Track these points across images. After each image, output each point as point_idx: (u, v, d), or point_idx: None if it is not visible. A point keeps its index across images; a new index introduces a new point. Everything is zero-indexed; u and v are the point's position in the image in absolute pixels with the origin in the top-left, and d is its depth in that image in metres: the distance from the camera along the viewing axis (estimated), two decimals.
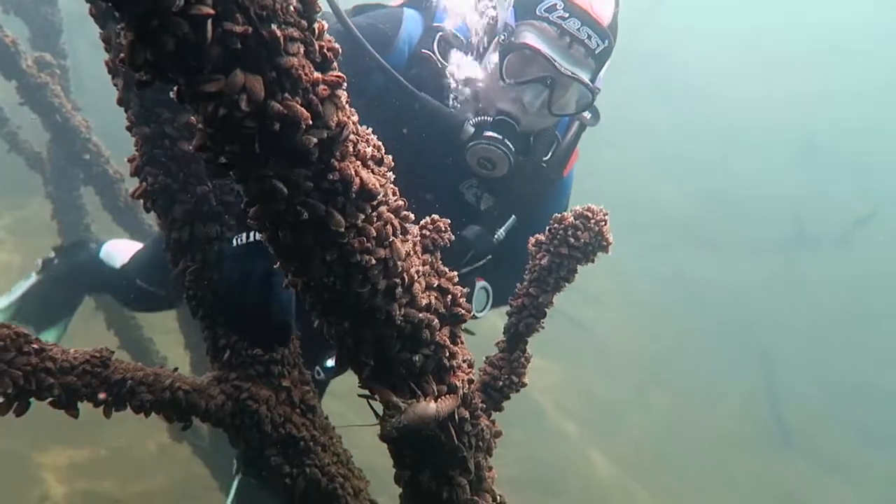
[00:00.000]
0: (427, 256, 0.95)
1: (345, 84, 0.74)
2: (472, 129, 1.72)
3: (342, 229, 0.77)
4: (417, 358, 0.93)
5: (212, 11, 0.61)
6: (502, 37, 1.72)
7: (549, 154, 1.88)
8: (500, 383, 1.15)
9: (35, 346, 1.07)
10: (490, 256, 1.90)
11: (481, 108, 1.77)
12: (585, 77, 1.66)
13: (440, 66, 1.78)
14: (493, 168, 1.73)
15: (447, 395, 0.93)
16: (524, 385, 1.16)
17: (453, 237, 0.98)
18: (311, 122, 0.71)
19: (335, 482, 1.32)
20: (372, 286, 0.84)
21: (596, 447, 7.49)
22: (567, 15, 1.59)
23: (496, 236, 1.88)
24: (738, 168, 15.95)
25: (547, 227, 1.15)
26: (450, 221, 0.98)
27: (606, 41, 1.64)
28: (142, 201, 1.21)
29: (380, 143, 0.83)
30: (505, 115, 1.71)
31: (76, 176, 2.93)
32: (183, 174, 1.15)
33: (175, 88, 0.67)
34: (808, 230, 14.11)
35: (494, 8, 1.84)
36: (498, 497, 1.09)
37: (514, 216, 1.88)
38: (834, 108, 18.83)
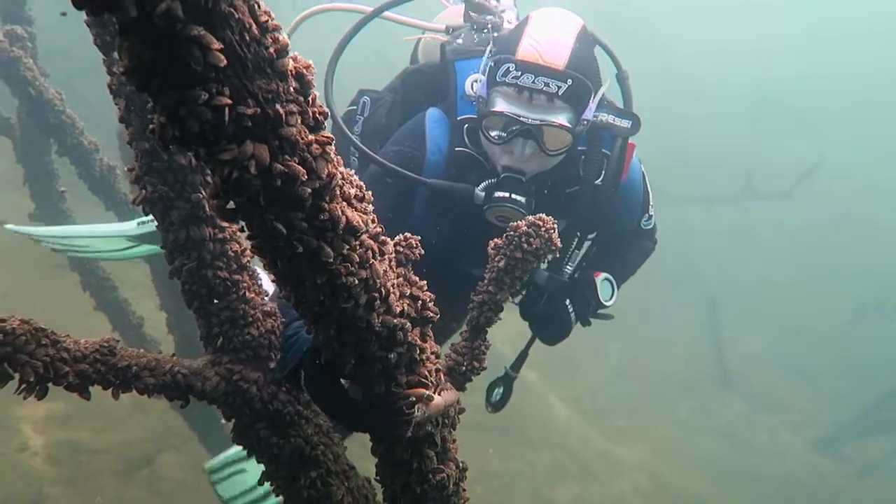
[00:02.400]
0: (401, 269, 1.12)
1: (333, 142, 0.88)
2: (482, 195, 1.90)
3: (331, 259, 0.93)
4: (392, 355, 1.10)
5: (230, 101, 0.74)
6: (480, 108, 1.90)
7: (602, 174, 2.04)
8: (464, 368, 1.34)
9: (51, 338, 1.21)
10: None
11: (489, 170, 1.96)
12: (558, 118, 1.83)
13: (475, 154, 1.97)
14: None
15: (449, 390, 1.13)
16: (484, 369, 1.35)
17: (422, 252, 1.14)
18: (306, 177, 0.85)
19: (317, 450, 1.50)
20: (355, 301, 1.00)
21: (554, 394, 7.91)
22: (520, 73, 1.77)
23: (565, 272, 2.15)
24: (692, 119, 16.26)
25: (504, 234, 1.31)
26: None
27: (568, 80, 1.78)
28: (135, 200, 1.34)
29: (361, 184, 0.97)
30: (507, 170, 1.89)
31: (48, 142, 2.95)
32: (179, 183, 1.27)
33: (194, 153, 0.80)
34: (757, 181, 14.58)
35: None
36: (461, 464, 1.30)
37: (574, 248, 2.15)
38: (786, 62, 19.17)
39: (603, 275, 2.15)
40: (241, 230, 0.95)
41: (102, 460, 4.48)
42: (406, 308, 1.10)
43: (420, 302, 1.14)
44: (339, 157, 0.91)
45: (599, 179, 2.04)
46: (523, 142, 1.85)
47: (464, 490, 1.34)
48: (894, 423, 9.63)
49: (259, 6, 0.77)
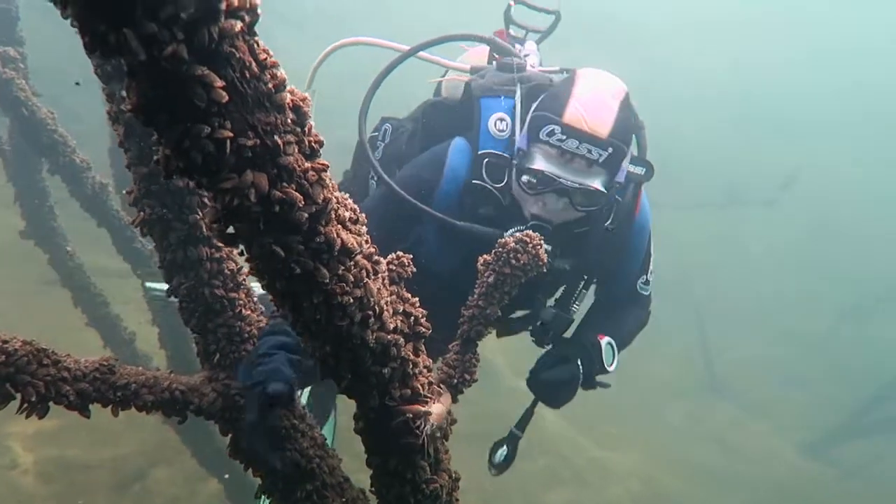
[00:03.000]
0: (394, 287, 1.16)
1: (328, 168, 0.93)
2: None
3: (327, 280, 0.97)
4: (386, 370, 1.14)
5: (231, 134, 0.78)
6: (516, 160, 1.95)
7: (611, 217, 2.09)
8: (455, 381, 1.38)
9: (52, 358, 1.24)
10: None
11: (505, 206, 2.02)
12: (594, 182, 1.87)
13: (491, 189, 2.01)
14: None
15: (444, 395, 1.17)
16: (475, 381, 1.40)
17: (414, 270, 1.18)
18: (303, 202, 0.89)
19: (312, 462, 1.53)
20: (350, 319, 1.04)
21: None
22: (565, 137, 1.81)
23: (572, 311, 2.17)
24: (678, 128, 16.48)
25: (493, 251, 1.36)
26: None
27: (609, 149, 1.82)
28: (135, 222, 1.37)
29: (356, 207, 1.02)
30: (536, 219, 1.95)
31: (38, 161, 2.97)
32: (177, 206, 1.31)
33: (196, 182, 0.85)
34: (742, 189, 14.79)
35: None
36: (454, 474, 1.34)
37: (583, 289, 2.18)
38: (768, 75, 19.50)
39: (607, 338, 2.16)
40: (241, 253, 0.99)
41: (94, 476, 4.47)
42: (399, 324, 1.14)
43: (412, 318, 1.18)
44: (336, 181, 0.95)
45: (609, 222, 2.08)
46: (557, 198, 1.91)
47: (457, 500, 1.38)
48: (878, 426, 9.77)
49: (258, 45, 0.81)
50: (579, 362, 2.07)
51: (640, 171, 2.01)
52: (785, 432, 10.04)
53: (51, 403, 1.27)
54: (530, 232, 1.35)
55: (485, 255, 1.38)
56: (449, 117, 2.22)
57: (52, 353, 1.25)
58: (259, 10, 0.79)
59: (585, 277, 2.19)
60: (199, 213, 1.34)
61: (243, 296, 1.45)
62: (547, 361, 2.10)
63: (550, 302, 2.27)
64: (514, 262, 1.34)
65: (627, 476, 7.64)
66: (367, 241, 1.05)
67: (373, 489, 1.37)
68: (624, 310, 2.33)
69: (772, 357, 12.19)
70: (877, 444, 9.26)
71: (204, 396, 1.41)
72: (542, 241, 1.35)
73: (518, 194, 2.00)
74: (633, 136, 1.99)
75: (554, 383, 2.06)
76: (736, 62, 19.71)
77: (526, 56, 2.27)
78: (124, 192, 1.31)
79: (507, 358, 7.97)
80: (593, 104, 1.82)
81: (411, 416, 1.16)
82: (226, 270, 1.40)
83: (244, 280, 1.45)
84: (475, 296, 1.38)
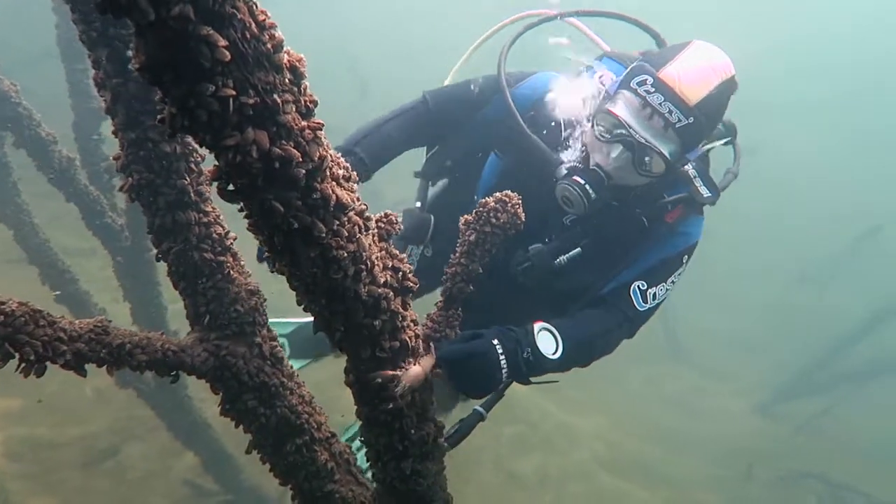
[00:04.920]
0: (383, 244, 1.22)
1: (324, 127, 0.97)
2: (564, 171, 1.94)
3: (323, 234, 1.02)
4: (377, 322, 1.20)
5: (234, 92, 0.82)
6: (600, 101, 1.94)
7: (644, 206, 2.02)
8: (439, 335, 1.46)
9: (48, 319, 1.27)
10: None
11: (582, 156, 1.98)
12: (663, 147, 1.81)
13: (557, 114, 2.04)
14: (572, 207, 1.93)
15: (424, 357, 1.23)
16: (457, 335, 1.47)
17: (401, 228, 1.24)
18: (300, 159, 0.94)
19: (301, 418, 1.60)
20: (344, 272, 1.10)
21: None
22: (653, 90, 1.77)
23: (558, 260, 2.04)
24: None
25: (474, 210, 1.43)
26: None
27: (691, 118, 1.76)
28: (122, 188, 1.40)
29: (347, 165, 1.07)
30: (597, 167, 1.91)
31: (1, 136, 2.91)
32: (165, 171, 1.34)
33: (200, 140, 0.88)
34: None
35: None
36: (438, 422, 1.41)
37: (579, 248, 2.04)
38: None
39: (542, 323, 1.78)
40: (240, 209, 1.03)
41: (65, 454, 4.44)
42: (389, 279, 1.21)
43: (401, 273, 1.24)
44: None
45: (639, 210, 2.03)
46: (622, 150, 1.86)
47: (442, 444, 1.46)
48: (824, 385, 10.34)
49: (257, 6, 0.85)
50: (496, 341, 1.61)
51: (704, 191, 1.95)
52: (741, 394, 10.50)
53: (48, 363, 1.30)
54: (509, 192, 1.42)
55: (466, 216, 1.44)
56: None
57: (47, 314, 1.27)
58: None
59: (585, 242, 2.06)
60: (187, 178, 1.37)
61: (231, 259, 1.49)
62: (455, 339, 1.64)
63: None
64: (493, 220, 1.41)
65: (593, 440, 7.91)
66: (357, 199, 1.11)
67: (362, 439, 1.44)
68: (593, 310, 2.03)
69: (729, 325, 12.65)
70: (823, 401, 9.79)
71: (196, 356, 1.46)
72: (520, 199, 1.41)
73: (590, 138, 1.96)
74: (721, 123, 1.92)
75: (457, 361, 1.52)
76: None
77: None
78: (111, 157, 1.33)
79: None
80: (694, 71, 1.77)
81: (382, 381, 1.22)
82: (214, 235, 1.44)
83: (231, 244, 1.49)
84: (457, 254, 1.45)
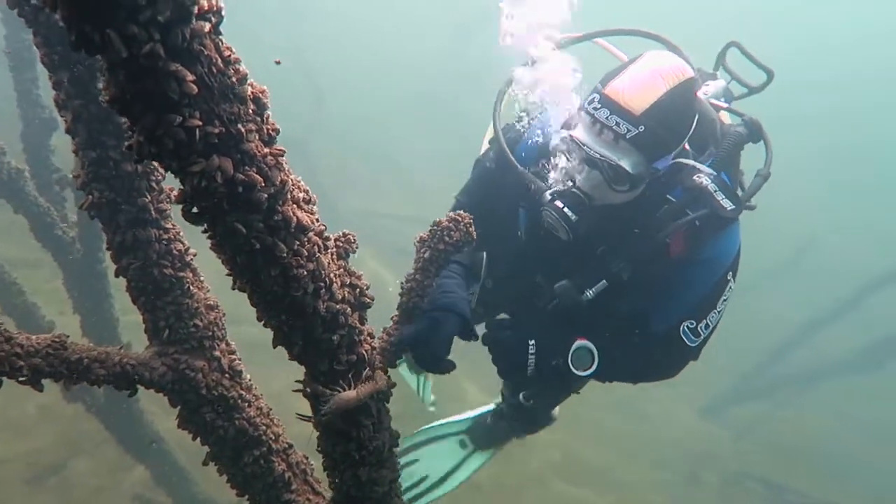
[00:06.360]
0: (341, 262, 1.28)
1: (285, 154, 1.03)
2: (548, 197, 1.98)
3: (284, 254, 1.08)
4: (335, 337, 1.26)
5: (200, 123, 0.88)
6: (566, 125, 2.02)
7: (643, 227, 2.01)
8: (395, 349, 1.52)
9: (4, 334, 1.28)
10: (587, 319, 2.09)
11: (569, 182, 2.02)
12: (620, 159, 1.82)
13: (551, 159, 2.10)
14: (557, 231, 1.97)
15: (366, 383, 1.28)
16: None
17: (358, 246, 1.30)
18: (263, 184, 1.00)
19: (259, 430, 1.63)
20: (304, 290, 1.15)
21: (468, 379, 8.19)
22: (600, 105, 1.80)
23: (585, 295, 2.05)
24: None
25: (429, 228, 1.50)
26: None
27: (640, 127, 1.77)
28: (83, 205, 1.42)
29: (307, 188, 1.13)
30: (578, 190, 1.95)
31: None
32: (126, 189, 1.37)
33: (166, 166, 0.93)
34: None
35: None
36: (393, 432, 1.47)
37: (605, 280, 2.04)
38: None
39: (586, 342, 2.01)
40: (204, 231, 1.07)
41: (8, 469, 4.31)
42: (346, 295, 1.27)
43: (358, 290, 1.30)
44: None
45: (637, 231, 2.02)
46: (589, 170, 1.90)
47: (396, 455, 1.52)
48: (763, 391, 10.81)
49: (223, 42, 0.90)
50: (533, 342, 1.99)
51: (727, 204, 1.89)
52: (684, 399, 10.83)
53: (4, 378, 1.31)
54: (461, 212, 1.49)
55: (421, 234, 1.51)
56: None
57: (4, 329, 1.29)
58: (223, 13, 0.89)
59: (613, 273, 2.06)
60: (148, 196, 1.40)
61: (191, 275, 1.52)
62: (503, 322, 2.17)
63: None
64: (447, 238, 1.49)
65: (547, 447, 8.04)
66: (317, 220, 1.17)
67: (319, 448, 1.49)
68: (646, 341, 2.10)
69: None
70: (763, 405, 10.21)
71: (154, 370, 1.48)
72: (472, 219, 1.49)
73: (569, 164, 2.00)
74: (689, 125, 1.88)
75: (497, 339, 2.02)
76: None
77: (706, 85, 2.24)
78: (72, 175, 1.35)
79: (478, 384, 8.10)
80: (639, 80, 1.78)
81: (314, 392, 1.30)
82: (174, 251, 1.47)
83: (191, 260, 1.52)
84: (413, 271, 1.52)
